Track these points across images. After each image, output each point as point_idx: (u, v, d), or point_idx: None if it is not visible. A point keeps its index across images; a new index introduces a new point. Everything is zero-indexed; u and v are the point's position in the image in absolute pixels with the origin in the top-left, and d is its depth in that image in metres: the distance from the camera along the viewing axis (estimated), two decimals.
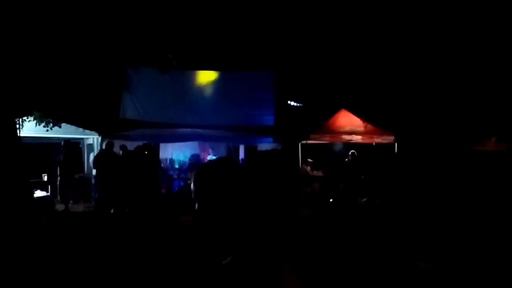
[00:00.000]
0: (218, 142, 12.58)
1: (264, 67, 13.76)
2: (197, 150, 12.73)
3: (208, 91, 13.36)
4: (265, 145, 12.53)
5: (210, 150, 12.63)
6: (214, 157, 12.55)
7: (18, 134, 7.17)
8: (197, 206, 1.19)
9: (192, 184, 1.20)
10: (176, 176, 11.52)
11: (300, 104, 16.39)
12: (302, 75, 14.95)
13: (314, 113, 13.90)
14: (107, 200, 9.21)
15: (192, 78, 13.45)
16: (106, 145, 9.62)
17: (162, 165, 11.15)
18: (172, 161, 12.21)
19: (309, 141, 11.82)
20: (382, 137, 11.37)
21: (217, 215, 1.17)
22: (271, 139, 12.30)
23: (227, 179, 1.18)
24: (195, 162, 12.34)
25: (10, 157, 6.59)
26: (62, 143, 9.55)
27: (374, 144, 11.47)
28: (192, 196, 1.19)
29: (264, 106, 13.59)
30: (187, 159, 12.41)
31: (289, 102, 15.80)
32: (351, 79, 14.33)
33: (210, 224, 1.18)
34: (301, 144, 11.87)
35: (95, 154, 9.85)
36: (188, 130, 12.07)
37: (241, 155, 13.53)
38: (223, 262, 1.15)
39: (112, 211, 9.32)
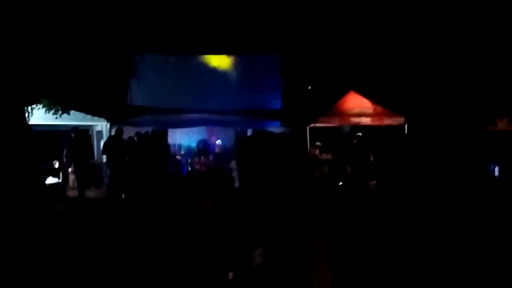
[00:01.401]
0: (225, 127, 12.54)
1: (271, 50, 13.63)
2: (205, 135, 12.73)
3: (215, 76, 13.28)
4: (273, 129, 12.46)
5: (217, 135, 12.64)
6: (220, 143, 12.62)
7: (28, 122, 7.18)
8: (240, 183, 1.17)
9: (234, 161, 1.18)
10: (184, 161, 11.55)
11: (308, 87, 16.26)
12: (310, 57, 14.79)
13: (322, 95, 13.80)
14: (118, 185, 9.27)
15: (199, 63, 13.36)
16: (116, 131, 9.65)
17: (171, 150, 11.18)
18: (180, 146, 12.22)
19: (317, 124, 11.75)
20: (392, 119, 11.26)
21: (260, 190, 1.15)
22: (279, 123, 12.24)
23: (272, 152, 1.16)
24: (203, 147, 12.37)
25: (20, 145, 6.62)
26: (71, 130, 9.58)
27: (383, 126, 11.37)
28: (233, 174, 1.17)
29: (271, 89, 13.50)
30: (195, 145, 12.43)
31: (296, 85, 15.68)
32: (359, 60, 14.15)
33: (251, 202, 1.16)
34: (309, 128, 11.81)
35: (104, 141, 9.87)
36: (196, 115, 12.06)
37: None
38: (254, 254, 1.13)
39: (123, 197, 9.40)
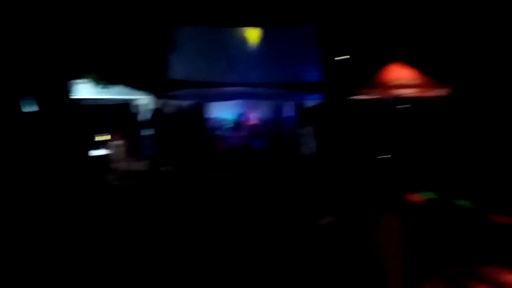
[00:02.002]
0: (262, 100, 12.56)
1: (308, 21, 13.34)
2: (242, 109, 12.81)
3: (253, 49, 13.23)
4: (311, 102, 12.37)
5: (254, 108, 12.68)
6: (257, 116, 12.67)
7: (74, 96, 7.48)
8: (315, 149, 1.21)
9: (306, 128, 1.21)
10: (222, 135, 11.74)
11: (347, 58, 15.86)
12: (348, 26, 14.34)
13: (361, 67, 13.44)
14: (162, 158, 9.59)
15: (236, 36, 13.32)
16: (157, 104, 9.92)
17: (209, 124, 11.38)
18: (218, 120, 12.40)
19: (357, 97, 11.52)
20: (437, 90, 10.84)
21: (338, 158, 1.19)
22: (317, 96, 12.12)
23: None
24: (240, 120, 12.49)
25: (70, 118, 6.94)
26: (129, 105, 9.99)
27: (427, 98, 10.98)
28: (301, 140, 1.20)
29: (308, 61, 13.34)
30: (233, 118, 12.56)
31: (334, 56, 15.33)
32: (400, 27, 13.57)
33: (321, 169, 1.20)
34: (348, 100, 11.60)
35: (148, 114, 10.16)
36: (233, 88, 12.13)
37: (285, 112, 13.50)
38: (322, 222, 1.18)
39: (165, 169, 9.73)
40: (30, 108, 6.84)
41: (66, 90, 6.85)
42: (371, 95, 11.44)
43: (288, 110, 11.95)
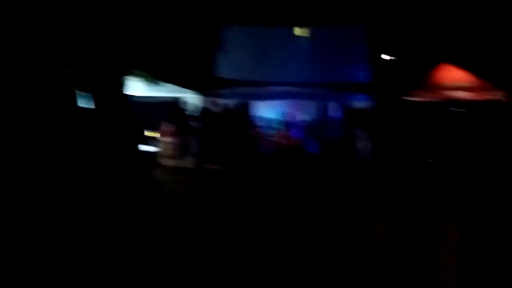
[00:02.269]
0: (308, 100, 12.45)
1: (356, 20, 13.06)
2: (287, 108, 12.77)
3: (300, 48, 13.15)
4: (359, 103, 12.11)
5: (299, 108, 12.60)
6: (302, 116, 12.57)
7: (126, 93, 7.75)
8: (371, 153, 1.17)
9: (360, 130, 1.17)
10: (268, 135, 11.74)
11: (396, 58, 15.37)
12: (398, 25, 13.88)
13: (411, 67, 12.98)
14: (208, 156, 9.76)
15: (284, 35, 13.30)
16: (205, 102, 10.11)
17: (255, 123, 11.42)
18: (263, 119, 12.42)
19: (407, 98, 11.13)
20: (492, 94, 10.25)
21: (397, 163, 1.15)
22: (365, 97, 11.84)
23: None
24: (285, 120, 12.45)
25: (121, 115, 7.21)
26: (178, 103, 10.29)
27: (484, 101, 10.40)
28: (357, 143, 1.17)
29: (356, 61, 13.06)
30: (278, 117, 12.54)
31: (384, 56, 14.90)
32: (452, 27, 12.94)
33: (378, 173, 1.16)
34: (398, 102, 11.23)
35: (196, 112, 10.38)
36: (279, 88, 12.12)
37: (331, 113, 13.31)
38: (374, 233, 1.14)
39: (209, 167, 9.89)
40: (86, 104, 7.20)
41: (120, 88, 7.14)
42: (424, 97, 11.01)
43: (335, 110, 11.77)
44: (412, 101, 11.09)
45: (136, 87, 10.04)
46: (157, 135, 10.96)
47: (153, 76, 10.11)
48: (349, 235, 4.62)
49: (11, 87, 6.33)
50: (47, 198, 5.32)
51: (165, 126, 10.94)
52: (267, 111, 12.58)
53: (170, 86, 10.75)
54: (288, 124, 12.17)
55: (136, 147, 7.54)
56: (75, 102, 7.57)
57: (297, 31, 13.43)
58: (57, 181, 5.69)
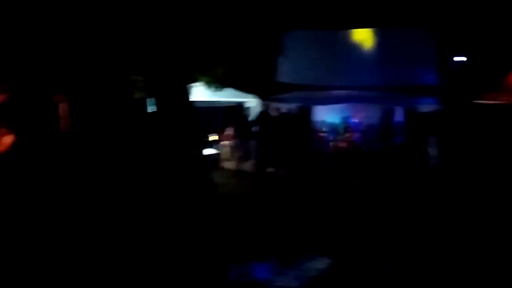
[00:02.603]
0: (372, 104, 12.07)
1: (422, 20, 12.46)
2: (349, 112, 12.50)
3: (362, 51, 12.82)
4: (426, 107, 11.53)
5: (362, 112, 12.27)
6: (364, 120, 12.19)
7: (190, 99, 8.00)
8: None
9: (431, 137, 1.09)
10: (328, 139, 11.57)
11: (466, 60, 14.45)
12: (466, 26, 13.05)
13: (482, 69, 12.13)
14: (268, 160, 9.79)
15: (345, 38, 13.05)
16: (265, 107, 10.17)
17: (315, 127, 11.30)
18: (325, 123, 12.26)
19: (479, 101, 10.39)
20: None
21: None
22: (433, 100, 11.25)
23: None
24: (347, 124, 12.19)
25: (186, 119, 7.45)
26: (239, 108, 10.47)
27: None
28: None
29: (423, 63, 12.47)
30: (339, 121, 12.32)
31: (453, 57, 14.08)
32: None
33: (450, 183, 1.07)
34: (469, 105, 10.52)
35: (256, 116, 10.47)
36: (341, 92, 11.89)
37: (395, 117, 12.80)
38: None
39: (269, 170, 9.91)
40: (153, 108, 7.55)
41: (185, 93, 7.39)
42: (499, 100, 10.21)
43: (399, 114, 11.30)
44: (485, 104, 10.35)
45: (198, 92, 10.34)
46: (217, 138, 11.22)
47: (214, 81, 10.37)
48: (414, 244, 4.38)
49: (88, 94, 6.80)
50: (116, 197, 5.63)
51: (225, 130, 11.18)
52: (328, 115, 12.40)
53: (231, 91, 10.96)
54: (349, 128, 11.90)
55: (199, 151, 7.74)
56: (144, 107, 7.98)
57: (359, 33, 13.11)
58: (127, 182, 6.00)
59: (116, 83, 7.25)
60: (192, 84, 9.82)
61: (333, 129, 12.09)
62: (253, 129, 10.26)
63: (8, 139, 7.62)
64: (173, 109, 7.10)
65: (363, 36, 13.09)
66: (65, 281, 3.70)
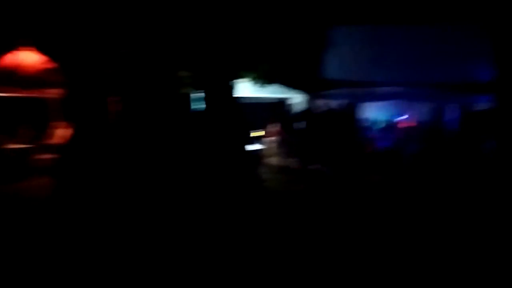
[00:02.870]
0: (421, 102, 11.66)
1: (475, 14, 11.87)
2: (397, 110, 12.13)
3: (412, 46, 12.40)
4: (480, 105, 10.99)
5: (410, 109, 11.87)
6: (410, 117, 11.78)
7: (236, 95, 8.08)
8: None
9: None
10: (375, 137, 11.28)
11: None
12: None
13: None
14: (312, 156, 9.73)
15: (395, 33, 12.67)
16: (310, 103, 10.10)
17: (361, 124, 11.06)
18: (371, 120, 11.97)
19: None
20: None
21: None
22: (488, 97, 10.69)
23: None
24: (394, 122, 11.83)
25: (231, 115, 7.54)
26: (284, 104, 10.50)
27: None
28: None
29: (477, 59, 11.87)
30: (386, 119, 11.99)
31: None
32: None
33: None
34: None
35: (301, 112, 10.45)
36: (389, 88, 11.56)
37: (447, 115, 12.30)
38: None
39: (314, 167, 9.83)
40: (199, 104, 7.70)
41: (231, 89, 7.48)
42: None
43: (451, 112, 10.84)
44: None
45: (244, 88, 10.44)
46: (262, 134, 11.28)
47: (260, 77, 10.43)
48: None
49: (136, 89, 7.04)
50: (165, 190, 5.82)
51: (270, 126, 11.22)
52: (375, 112, 12.11)
53: (276, 87, 10.99)
54: (396, 126, 11.56)
55: (245, 147, 7.81)
56: (189, 103, 8.17)
57: (407, 29, 12.68)
58: (174, 176, 6.17)
59: (164, 78, 7.45)
60: (238, 80, 9.95)
61: (380, 126, 11.79)
62: (298, 125, 10.23)
63: (67, 133, 8.06)
64: (219, 104, 7.21)
65: (413, 31, 12.66)
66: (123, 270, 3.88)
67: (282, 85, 11.10)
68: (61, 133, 9.76)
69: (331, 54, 12.39)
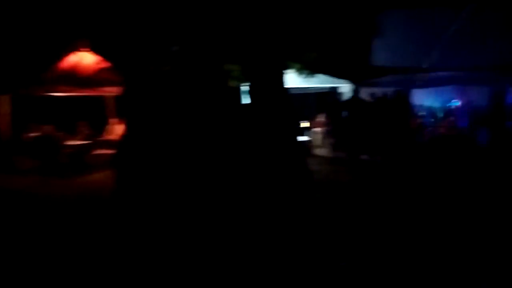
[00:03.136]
0: (479, 86, 11.04)
1: None
2: (453, 96, 11.59)
3: (468, 27, 11.71)
4: None
5: (466, 94, 11.29)
6: (469, 103, 11.18)
7: (285, 86, 8.04)
8: None
9: None
10: (427, 124, 10.87)
11: None
12: None
13: None
14: (361, 146, 9.54)
15: (447, 16, 12.03)
16: (362, 92, 9.88)
17: (413, 112, 10.68)
18: (424, 108, 11.53)
19: None
20: None
21: None
22: None
23: None
24: (449, 108, 11.32)
25: (280, 106, 7.50)
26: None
27: None
28: None
29: None
30: (440, 105, 11.50)
31: None
32: None
33: None
34: None
35: (349, 102, 10.25)
36: (442, 73, 11.03)
37: (508, 99, 11.56)
38: None
39: (363, 157, 9.63)
40: (248, 97, 7.73)
41: (281, 80, 7.43)
42: None
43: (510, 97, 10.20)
44: None
45: (289, 79, 10.35)
46: (309, 125, 11.20)
47: (306, 67, 10.30)
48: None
49: (189, 87, 7.19)
50: (219, 183, 5.93)
51: (317, 117, 11.10)
52: (427, 99, 11.65)
53: (322, 76, 10.82)
54: (451, 113, 11.06)
55: (295, 138, 7.77)
56: (239, 96, 8.23)
57: (463, 9, 11.98)
58: (226, 170, 6.27)
59: (213, 72, 7.55)
60: (284, 71, 9.85)
61: (433, 113, 11.33)
62: (346, 115, 10.03)
63: (119, 129, 8.44)
64: (270, 96, 7.20)
65: (468, 13, 11.96)
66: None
67: (328, 75, 10.90)
68: (117, 129, 10.25)
69: (380, 40, 11.98)
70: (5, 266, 3.97)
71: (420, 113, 11.27)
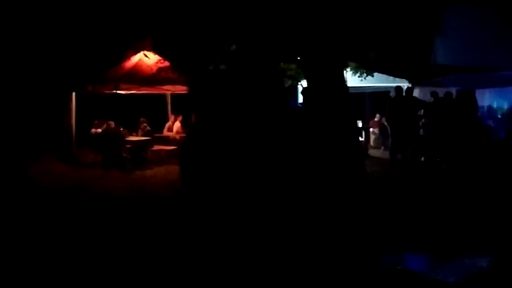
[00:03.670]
0: None
1: None
2: None
3: None
4: None
5: None
6: None
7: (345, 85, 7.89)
8: None
9: None
10: (495, 126, 10.26)
11: None
12: None
13: None
14: (419, 148, 9.17)
15: None
16: (406, 91, 9.49)
17: (479, 113, 10.11)
18: (490, 108, 10.90)
19: None
20: None
21: None
22: None
23: None
24: None
25: (341, 104, 7.35)
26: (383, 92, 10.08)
27: None
28: None
29: None
30: (508, 106, 10.83)
31: None
32: None
33: None
34: None
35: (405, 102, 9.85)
36: (510, 72, 10.39)
37: None
38: None
39: (422, 159, 9.26)
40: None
41: (342, 79, 7.29)
42: None
43: None
44: None
45: (347, 78, 10.16)
46: (365, 126, 10.96)
47: (364, 66, 10.07)
48: None
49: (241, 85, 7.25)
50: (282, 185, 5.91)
51: (373, 117, 10.84)
52: (494, 99, 11.01)
53: (380, 75, 10.52)
54: None
55: (357, 140, 7.59)
56: (296, 96, 8.19)
57: None
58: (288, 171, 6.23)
59: (273, 72, 7.55)
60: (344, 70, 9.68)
61: (501, 114, 10.69)
62: (405, 115, 9.66)
63: (177, 126, 8.67)
64: (330, 96, 7.08)
65: None
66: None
67: (386, 74, 10.57)
68: (176, 126, 10.59)
69: (442, 38, 11.46)
70: (66, 257, 4.11)
71: (488, 115, 10.68)
